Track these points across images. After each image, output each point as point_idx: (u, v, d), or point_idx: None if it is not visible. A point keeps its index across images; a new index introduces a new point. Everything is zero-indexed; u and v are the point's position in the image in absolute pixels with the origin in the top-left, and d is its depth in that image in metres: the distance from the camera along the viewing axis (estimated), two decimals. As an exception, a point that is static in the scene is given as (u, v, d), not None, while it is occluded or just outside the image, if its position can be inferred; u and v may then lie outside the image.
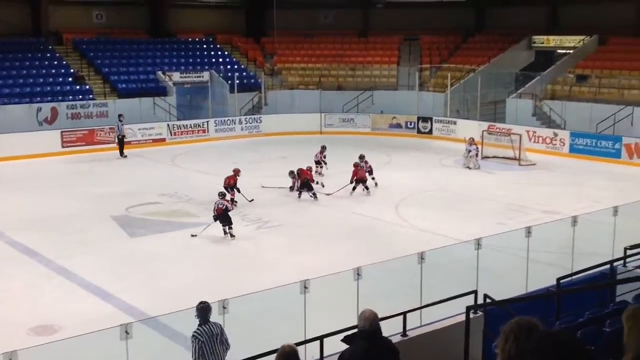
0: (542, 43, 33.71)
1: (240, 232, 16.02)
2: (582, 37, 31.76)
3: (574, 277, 9.50)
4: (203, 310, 8.23)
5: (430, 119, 30.03)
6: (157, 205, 18.70)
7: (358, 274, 9.16)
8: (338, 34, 36.77)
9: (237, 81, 31.40)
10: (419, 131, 30.13)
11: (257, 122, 30.83)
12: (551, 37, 33.45)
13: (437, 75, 33.83)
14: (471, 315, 7.62)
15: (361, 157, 20.46)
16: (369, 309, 6.96)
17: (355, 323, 7.02)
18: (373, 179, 20.24)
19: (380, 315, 7.05)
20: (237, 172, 18.77)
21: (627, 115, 25.24)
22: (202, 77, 32.21)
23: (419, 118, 30.34)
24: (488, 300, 7.91)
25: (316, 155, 22.25)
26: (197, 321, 8.10)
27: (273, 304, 10.14)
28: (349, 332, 7.03)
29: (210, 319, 8.18)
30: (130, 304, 11.80)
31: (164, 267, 13.79)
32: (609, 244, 11.73)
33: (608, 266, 9.58)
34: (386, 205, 18.58)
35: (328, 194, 19.41)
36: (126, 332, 7.33)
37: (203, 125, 29.49)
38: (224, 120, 30.14)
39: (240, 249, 15.12)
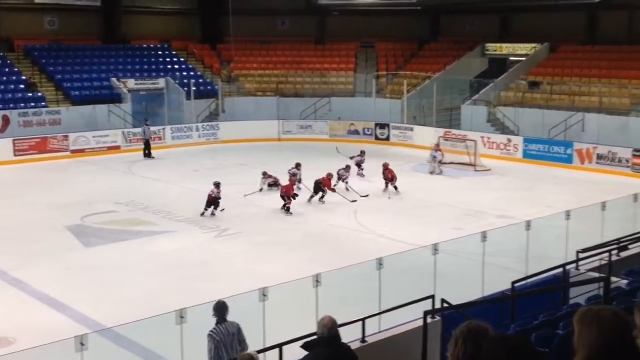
0: (495, 51, 34.33)
1: (198, 240, 15.89)
2: (533, 45, 32.46)
3: (528, 280, 9.68)
4: (219, 308, 8.15)
5: (388, 125, 30.30)
6: (113, 214, 18.43)
7: (317, 281, 9.17)
8: (295, 40, 36.84)
9: (194, 88, 31.18)
10: (376, 137, 30.35)
11: (214, 129, 30.64)
12: (503, 45, 34.09)
13: (393, 82, 34.16)
14: (429, 320, 7.69)
15: (298, 165, 21.04)
16: (328, 315, 6.99)
17: (314, 330, 7.04)
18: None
19: (339, 322, 7.09)
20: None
21: (578, 121, 25.86)
22: (158, 83, 31.89)
23: (376, 124, 30.57)
24: (445, 305, 8.01)
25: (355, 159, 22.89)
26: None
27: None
28: (308, 339, 7.05)
29: (228, 319, 8.07)
30: (85, 314, 11.59)
31: (120, 277, 13.59)
32: (561, 248, 11.98)
33: (561, 269, 9.79)
34: (345, 211, 18.65)
35: (353, 200, 19.59)
36: (81, 343, 7.20)
37: (159, 132, 29.16)
38: (181, 128, 29.89)
39: (198, 257, 14.99)
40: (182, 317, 8.14)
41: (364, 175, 22.59)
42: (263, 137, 29.82)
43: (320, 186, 19.67)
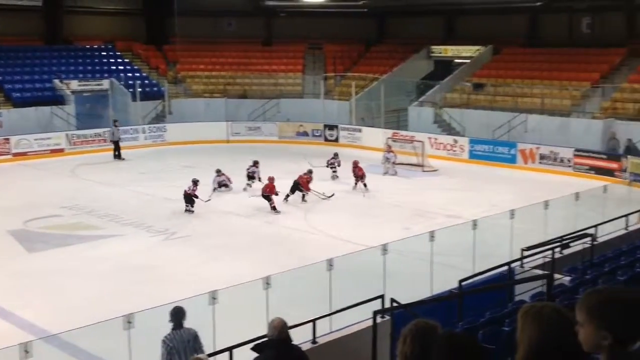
0: (440, 53, 34.85)
1: (145, 244, 15.66)
2: (477, 47, 33.08)
3: (475, 278, 9.86)
4: (176, 314, 8.01)
5: (337, 126, 30.43)
6: (57, 218, 18.01)
7: (267, 283, 9.17)
8: (242, 42, 36.65)
9: (139, 89, 30.71)
10: (325, 139, 30.45)
11: (161, 131, 30.24)
12: (448, 47, 34.65)
13: (341, 83, 34.34)
14: (378, 320, 7.76)
15: (256, 163, 21.31)
16: (278, 317, 6.98)
17: (265, 332, 7.03)
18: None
19: (289, 324, 7.10)
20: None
21: (521, 122, 26.46)
22: (102, 85, 31.30)
23: (325, 126, 30.68)
24: (394, 304, 8.10)
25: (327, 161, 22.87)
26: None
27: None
28: (259, 342, 7.03)
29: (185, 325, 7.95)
30: (30, 321, 11.31)
31: (65, 282, 13.29)
32: (507, 246, 12.25)
33: (506, 267, 10.00)
34: (295, 213, 18.66)
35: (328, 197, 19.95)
36: (26, 350, 7.03)
37: (104, 134, 28.64)
38: (126, 130, 29.36)
39: (146, 261, 14.75)
40: (129, 322, 8.03)
41: (337, 177, 22.73)
42: (211, 139, 29.58)
43: (299, 186, 19.75)
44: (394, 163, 23.92)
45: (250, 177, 21.37)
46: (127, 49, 35.37)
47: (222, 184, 20.84)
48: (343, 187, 21.71)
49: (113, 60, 33.98)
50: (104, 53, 34.36)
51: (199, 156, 26.52)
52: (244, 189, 21.00)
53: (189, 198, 18.46)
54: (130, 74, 32.86)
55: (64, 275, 13.70)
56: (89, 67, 32.70)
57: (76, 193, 20.85)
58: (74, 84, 30.51)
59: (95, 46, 34.68)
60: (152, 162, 25.85)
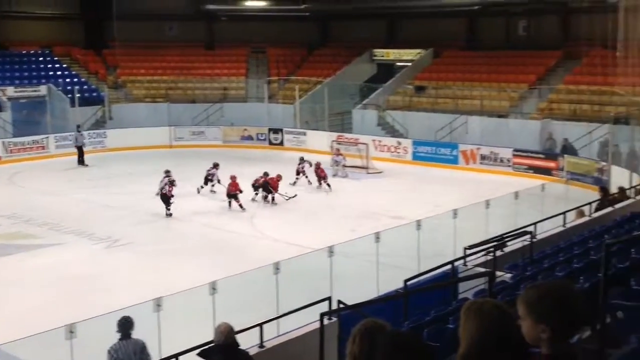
0: (383, 56, 35.23)
1: (88, 252, 15.33)
2: (418, 51, 33.56)
3: (420, 278, 9.99)
4: (123, 324, 7.85)
5: (281, 130, 30.42)
6: (-6, 228, 17.46)
7: (213, 288, 9.10)
8: (184, 46, 36.27)
9: (78, 95, 30.01)
10: (270, 143, 30.40)
11: (101, 137, 29.64)
12: (391, 51, 35.06)
13: (285, 87, 34.35)
14: (325, 322, 7.77)
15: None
16: (225, 322, 6.96)
17: (211, 338, 6.98)
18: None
19: (236, 328, 7.07)
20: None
21: (462, 123, 26.98)
22: (39, 91, 30.51)
23: (269, 130, 30.62)
24: (341, 306, 8.14)
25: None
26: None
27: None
28: (205, 347, 6.98)
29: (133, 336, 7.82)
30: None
31: (4, 293, 12.91)
32: (450, 245, 12.46)
33: (450, 266, 10.17)
34: (241, 217, 18.56)
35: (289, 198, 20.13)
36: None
37: (42, 141, 27.93)
38: (65, 136, 28.70)
39: (88, 270, 14.43)
40: (71, 332, 7.86)
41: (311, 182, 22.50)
42: (154, 144, 29.15)
43: (268, 187, 19.91)
44: (343, 166, 24.09)
45: (209, 179, 21.26)
46: (65, 54, 34.58)
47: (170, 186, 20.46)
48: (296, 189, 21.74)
49: (51, 66, 33.20)
50: (41, 58, 33.53)
51: (141, 162, 26.11)
52: (197, 191, 20.91)
53: (166, 199, 18.51)
54: (68, 80, 32.16)
55: (3, 285, 13.30)
56: (26, 73, 31.87)
57: (14, 202, 20.27)
58: (10, 91, 29.69)
59: (32, 51, 33.78)
60: (93, 169, 25.33)
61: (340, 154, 24.45)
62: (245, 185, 19.69)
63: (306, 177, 22.51)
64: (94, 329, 8.93)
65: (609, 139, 20.29)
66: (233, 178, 19.41)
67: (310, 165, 22.56)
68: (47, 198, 20.84)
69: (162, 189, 18.83)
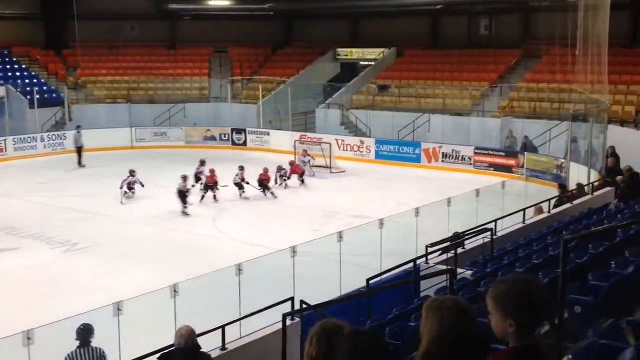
0: (346, 55, 35.34)
1: (45, 257, 15.04)
2: (381, 50, 33.72)
3: (382, 276, 10.02)
4: (82, 331, 7.69)
5: (244, 130, 30.26)
6: (-52, 232, 17.01)
7: (175, 291, 8.98)
8: (145, 45, 35.90)
9: (37, 96, 29.46)
10: (233, 143, 30.22)
11: (61, 138, 29.10)
12: (354, 50, 35.17)
13: (248, 86, 34.20)
14: (288, 322, 7.74)
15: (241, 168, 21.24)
16: (186, 325, 6.87)
17: (172, 341, 6.89)
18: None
19: (198, 331, 7.00)
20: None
21: (424, 122, 27.15)
22: (-3, 92, 29.87)
23: (232, 130, 30.44)
24: (304, 306, 8.11)
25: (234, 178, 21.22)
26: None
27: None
28: (165, 351, 6.89)
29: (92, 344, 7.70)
30: None
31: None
32: (413, 243, 12.51)
33: (412, 264, 10.22)
34: (203, 218, 18.41)
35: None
36: None
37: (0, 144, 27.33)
38: (24, 138, 28.13)
39: (46, 274, 14.14)
40: (29, 338, 7.68)
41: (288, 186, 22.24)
42: (115, 145, 28.74)
43: (264, 183, 20.68)
44: (311, 165, 24.08)
45: (197, 177, 21.21)
46: (24, 54, 33.94)
47: (132, 187, 20.26)
48: (255, 190, 21.65)
49: (9, 66, 32.56)
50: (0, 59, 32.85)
51: (102, 163, 25.72)
52: (187, 191, 20.35)
53: (183, 195, 18.75)
54: (27, 80, 31.59)
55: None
56: (-17, 74, 31.18)
57: (-30, 206, 19.78)
58: (-33, 91, 29.00)
59: (-10, 51, 33.06)
60: (52, 171, 24.85)
61: (308, 154, 24.40)
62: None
63: (285, 179, 22.14)
64: (52, 335, 8.75)
65: (568, 135, 20.60)
66: (212, 171, 20.32)
67: (286, 171, 22.33)
68: (3, 201, 20.39)
69: (122, 186, 19.46)
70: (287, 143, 27.06)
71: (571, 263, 7.04)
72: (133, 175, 20.45)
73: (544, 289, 2.84)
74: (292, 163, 23.03)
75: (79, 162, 25.92)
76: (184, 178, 19.10)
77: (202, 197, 20.10)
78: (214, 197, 20.25)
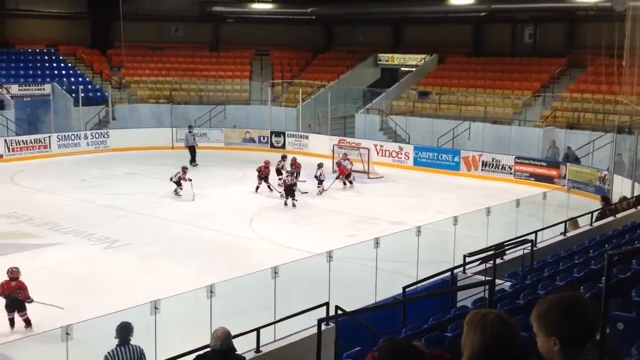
0: (387, 61, 35.22)
1: (86, 252, 15.29)
2: (423, 56, 33.53)
3: (418, 285, 9.94)
4: (122, 330, 7.83)
5: (283, 133, 30.38)
6: (-6, 226, 17.41)
7: (211, 292, 9.03)
8: (189, 47, 36.32)
9: (82, 94, 30.04)
10: (272, 145, 30.35)
11: (104, 137, 29.63)
12: (395, 55, 35.04)
13: (288, 90, 34.33)
14: (323, 327, 7.72)
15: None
16: (222, 327, 6.90)
17: (208, 342, 6.93)
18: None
19: (233, 333, 7.02)
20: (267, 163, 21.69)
21: (464, 130, 26.90)
22: (44, 89, 30.50)
23: (272, 132, 30.58)
24: (339, 312, 8.08)
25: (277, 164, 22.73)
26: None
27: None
28: (201, 352, 6.93)
29: (132, 342, 7.78)
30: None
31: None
32: (450, 252, 12.39)
33: (449, 273, 10.11)
34: (240, 220, 18.51)
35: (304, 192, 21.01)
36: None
37: (45, 140, 27.91)
38: (68, 135, 28.68)
39: (86, 270, 14.38)
40: (67, 333, 7.80)
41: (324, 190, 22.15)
42: (156, 145, 29.13)
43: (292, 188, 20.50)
44: (353, 170, 24.04)
45: (279, 172, 22.06)
46: (71, 53, 34.61)
47: (181, 183, 20.69)
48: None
49: (55, 65, 33.21)
50: (47, 57, 33.56)
51: (142, 163, 26.09)
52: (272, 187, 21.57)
53: (290, 188, 19.88)
54: (73, 79, 32.18)
55: (0, 285, 13.21)
56: (31, 72, 31.88)
57: (14, 201, 20.21)
58: (15, 89, 29.68)
59: (38, 50, 33.80)
60: (94, 169, 25.29)
61: (347, 159, 24.15)
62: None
63: (321, 182, 22.04)
64: (90, 331, 8.89)
65: (612, 147, 20.21)
66: (266, 163, 21.72)
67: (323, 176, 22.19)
68: (47, 197, 20.81)
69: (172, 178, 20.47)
70: (326, 147, 27.08)
71: (614, 278, 6.89)
72: (185, 172, 20.82)
73: (589, 304, 2.74)
74: (339, 164, 23.16)
75: (191, 161, 25.79)
76: (292, 173, 20.39)
77: (268, 187, 21.34)
78: (269, 187, 21.37)
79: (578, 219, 13.62)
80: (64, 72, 32.84)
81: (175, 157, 26.74)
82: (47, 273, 14.03)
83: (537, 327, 2.66)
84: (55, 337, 7.76)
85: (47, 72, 32.33)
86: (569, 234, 12.59)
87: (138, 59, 34.91)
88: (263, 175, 21.65)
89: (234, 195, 21.18)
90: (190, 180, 20.48)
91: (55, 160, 27.15)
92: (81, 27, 36.14)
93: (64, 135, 28.59)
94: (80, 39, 35.58)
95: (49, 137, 28.20)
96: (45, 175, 24.45)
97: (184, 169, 21.02)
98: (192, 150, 26.49)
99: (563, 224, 12.80)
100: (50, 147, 27.98)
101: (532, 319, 2.69)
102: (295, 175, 20.87)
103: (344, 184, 22.68)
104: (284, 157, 23.32)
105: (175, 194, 20.62)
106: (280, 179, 21.47)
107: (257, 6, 35.56)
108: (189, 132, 27.23)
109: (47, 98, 30.25)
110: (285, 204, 20.05)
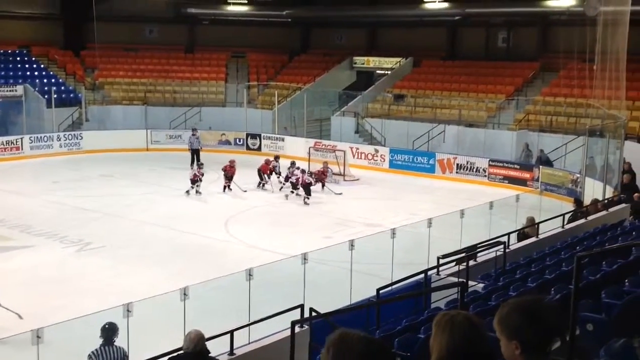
0: (363, 64, 35.35)
1: (58, 255, 15.12)
2: (398, 59, 33.71)
3: (393, 286, 9.98)
4: (107, 330, 7.74)
5: (259, 135, 30.32)
6: (-36, 229, 17.14)
7: (185, 294, 8.99)
8: (164, 49, 36.09)
9: (55, 96, 29.69)
10: (248, 148, 30.28)
11: (77, 138, 29.31)
12: (370, 59, 35.18)
13: (264, 92, 34.29)
14: (297, 329, 7.71)
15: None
16: (195, 329, 6.88)
17: (181, 345, 6.90)
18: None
19: (207, 335, 7.00)
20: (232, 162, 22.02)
21: (439, 132, 27.09)
22: (16, 91, 30.10)
23: (247, 135, 30.51)
24: (313, 314, 8.09)
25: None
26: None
27: (95, 331, 9.64)
28: (174, 355, 6.90)
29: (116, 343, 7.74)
30: None
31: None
32: (424, 254, 12.46)
33: (423, 275, 10.16)
34: (216, 222, 18.43)
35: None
36: None
37: (17, 142, 27.55)
38: (40, 137, 28.34)
39: (58, 273, 14.21)
40: (38, 337, 7.70)
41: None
42: (130, 147, 28.90)
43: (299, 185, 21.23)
44: (333, 173, 24.11)
45: (272, 171, 22.65)
46: (43, 54, 34.21)
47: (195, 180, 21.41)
48: (268, 195, 21.67)
49: (28, 66, 32.80)
50: (19, 58, 33.11)
51: (117, 165, 25.86)
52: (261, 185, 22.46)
53: (305, 186, 20.55)
54: (45, 80, 31.81)
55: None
56: (2, 73, 31.45)
57: (-15, 203, 19.94)
58: (-15, 90, 29.27)
59: (10, 51, 33.32)
60: (67, 171, 25.01)
61: (328, 167, 24.15)
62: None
63: (287, 179, 22.27)
64: (62, 334, 8.79)
65: (584, 150, 20.46)
66: (231, 162, 22.00)
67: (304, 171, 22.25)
68: (18, 199, 20.54)
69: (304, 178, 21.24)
70: (302, 149, 27.08)
71: (584, 280, 6.98)
72: (200, 167, 21.66)
73: (549, 308, 2.76)
74: (318, 172, 22.97)
75: (192, 163, 25.53)
76: (303, 171, 21.21)
77: (228, 187, 21.72)
78: (229, 187, 21.74)
79: (550, 221, 13.76)
80: (36, 73, 32.46)
81: (149, 159, 26.57)
82: (18, 276, 13.84)
83: (499, 331, 2.68)
84: (26, 340, 7.66)
85: (20, 73, 31.92)
86: (541, 236, 12.71)
87: (112, 60, 34.63)
88: (229, 174, 21.72)
89: (209, 198, 21.08)
90: (202, 174, 21.47)
91: (27, 162, 26.82)
92: (54, 28, 35.70)
93: (37, 137, 28.25)
94: (53, 40, 35.18)
95: (21, 138, 27.84)
96: (17, 177, 24.12)
97: (200, 165, 22.26)
98: (197, 153, 26.53)
99: (535, 226, 12.94)
100: (22, 149, 27.64)
101: (494, 324, 2.70)
102: (312, 175, 21.86)
103: (323, 186, 22.68)
104: (276, 158, 23.59)
105: (196, 193, 21.14)
106: (279, 178, 22.61)
107: (232, 8, 35.49)
108: (193, 134, 27.17)
109: (19, 99, 29.88)
110: (287, 196, 21.22)
